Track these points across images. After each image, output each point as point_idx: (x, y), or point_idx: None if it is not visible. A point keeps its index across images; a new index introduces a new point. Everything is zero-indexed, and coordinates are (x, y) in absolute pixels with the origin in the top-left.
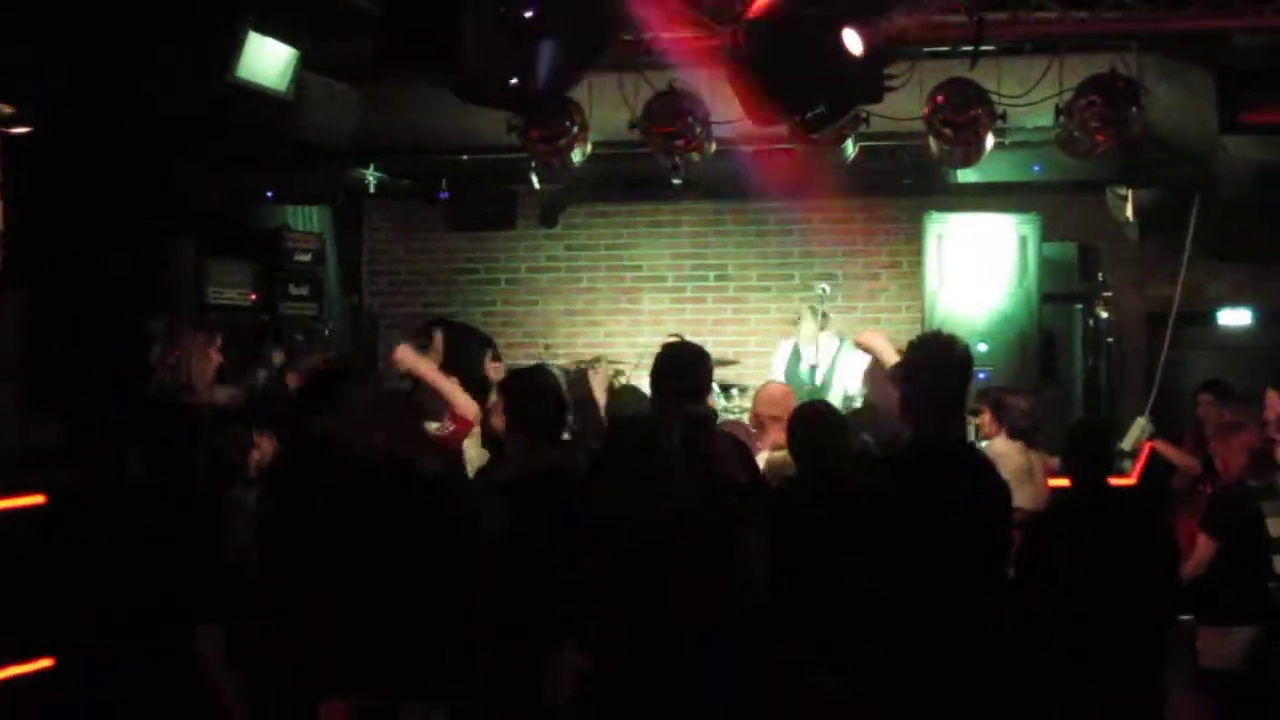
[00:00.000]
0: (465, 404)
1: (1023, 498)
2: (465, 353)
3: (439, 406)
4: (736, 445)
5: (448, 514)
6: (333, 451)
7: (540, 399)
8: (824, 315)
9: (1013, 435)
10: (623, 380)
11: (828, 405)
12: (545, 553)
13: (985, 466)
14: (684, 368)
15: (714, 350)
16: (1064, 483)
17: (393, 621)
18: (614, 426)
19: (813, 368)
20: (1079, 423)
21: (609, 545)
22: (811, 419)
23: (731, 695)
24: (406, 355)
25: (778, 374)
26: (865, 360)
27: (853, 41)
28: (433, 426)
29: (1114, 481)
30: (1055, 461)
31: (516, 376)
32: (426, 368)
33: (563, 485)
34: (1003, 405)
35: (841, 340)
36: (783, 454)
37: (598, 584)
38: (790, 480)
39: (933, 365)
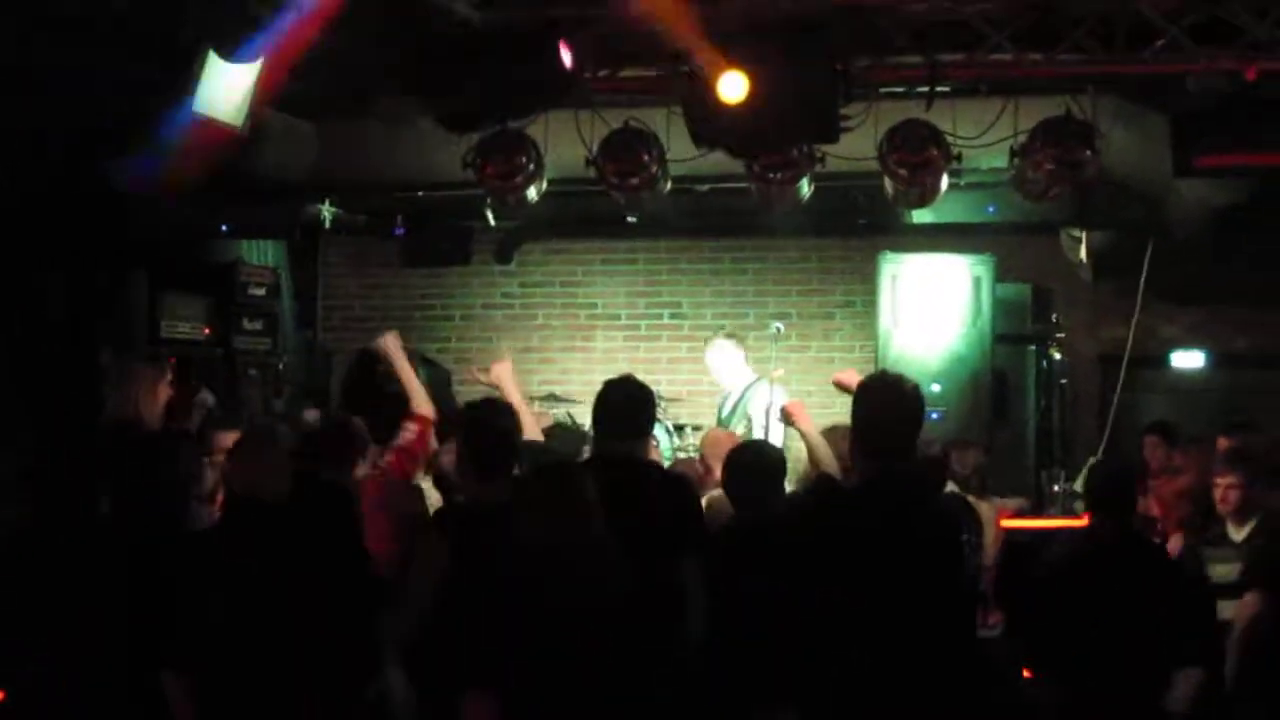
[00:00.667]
0: (425, 402)
1: None
2: (438, 388)
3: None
4: (672, 484)
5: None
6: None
7: (489, 432)
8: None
9: (960, 488)
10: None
11: (761, 446)
12: (478, 587)
13: (936, 507)
14: (621, 407)
15: (667, 389)
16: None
17: (314, 661)
18: (533, 466)
19: (724, 397)
20: (1104, 466)
21: (525, 583)
22: (743, 462)
23: None
24: (392, 344)
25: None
26: (773, 397)
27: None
28: (403, 438)
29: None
30: (1011, 504)
31: (469, 409)
32: (402, 362)
33: (506, 519)
34: (944, 460)
35: (756, 378)
36: (721, 495)
37: (516, 622)
38: (728, 523)
39: (882, 405)
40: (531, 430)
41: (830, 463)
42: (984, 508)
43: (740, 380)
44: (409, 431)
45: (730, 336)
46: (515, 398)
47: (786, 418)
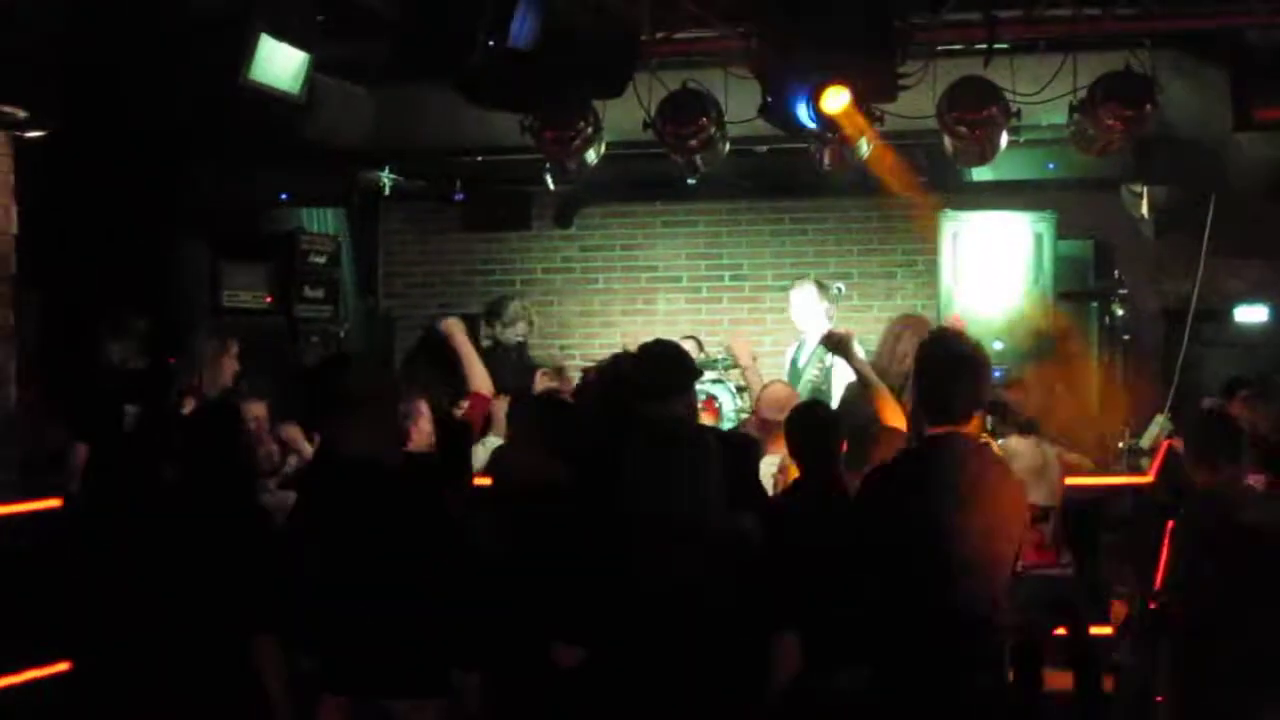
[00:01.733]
0: (484, 380)
1: (1036, 494)
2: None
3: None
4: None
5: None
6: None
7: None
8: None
9: (1023, 431)
10: None
11: (825, 406)
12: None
13: (998, 467)
14: (654, 369)
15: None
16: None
17: (390, 621)
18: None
19: (799, 345)
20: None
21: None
22: (809, 421)
23: (738, 694)
24: (454, 326)
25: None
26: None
27: None
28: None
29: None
30: (1074, 458)
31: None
32: (462, 340)
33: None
34: (1002, 403)
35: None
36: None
37: (604, 578)
38: (794, 483)
39: (946, 364)
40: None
41: (881, 388)
42: (1047, 452)
43: (816, 327)
44: (460, 409)
45: (818, 282)
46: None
47: (835, 344)
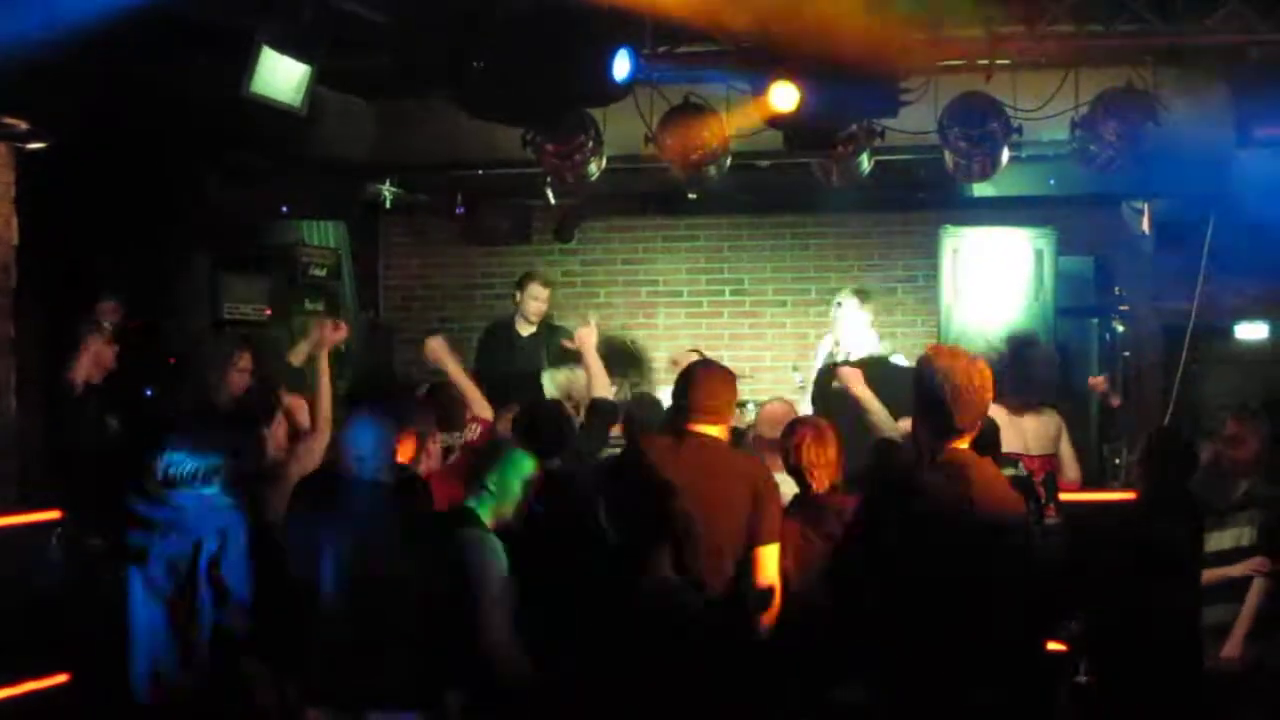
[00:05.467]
0: (483, 404)
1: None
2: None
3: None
4: (752, 468)
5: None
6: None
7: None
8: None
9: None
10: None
11: (821, 421)
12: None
13: (1000, 485)
14: (708, 390)
15: (730, 365)
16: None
17: (370, 634)
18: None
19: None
20: None
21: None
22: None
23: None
24: (438, 348)
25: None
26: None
27: None
28: (458, 436)
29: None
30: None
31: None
32: (452, 365)
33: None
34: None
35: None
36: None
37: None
38: (794, 500)
39: (943, 379)
40: (604, 388)
41: (889, 425)
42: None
43: (859, 338)
44: (472, 431)
45: (857, 294)
46: (593, 360)
47: (845, 380)
